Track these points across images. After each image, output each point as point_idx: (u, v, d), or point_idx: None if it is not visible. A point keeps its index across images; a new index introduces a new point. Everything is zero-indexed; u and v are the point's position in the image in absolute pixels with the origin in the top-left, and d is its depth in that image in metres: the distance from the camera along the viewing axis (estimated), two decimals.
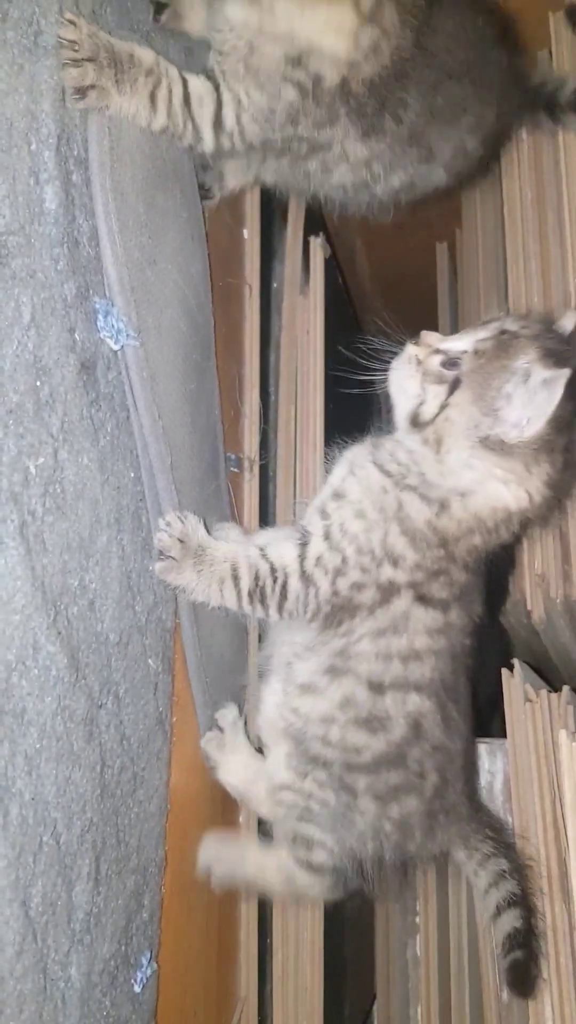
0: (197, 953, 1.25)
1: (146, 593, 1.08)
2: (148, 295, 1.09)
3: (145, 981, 1.00)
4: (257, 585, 1.13)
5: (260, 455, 1.58)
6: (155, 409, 1.08)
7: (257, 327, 1.61)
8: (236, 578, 1.13)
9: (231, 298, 1.58)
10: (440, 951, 1.50)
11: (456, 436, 1.10)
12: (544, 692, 1.26)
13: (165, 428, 1.11)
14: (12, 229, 0.82)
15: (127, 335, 1.02)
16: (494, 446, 1.08)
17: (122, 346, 1.02)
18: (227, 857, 1.26)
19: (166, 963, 1.09)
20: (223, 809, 1.38)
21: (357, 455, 1.18)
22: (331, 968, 1.46)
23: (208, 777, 1.31)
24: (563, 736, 1.09)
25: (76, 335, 0.93)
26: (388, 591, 1.11)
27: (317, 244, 1.75)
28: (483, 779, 1.35)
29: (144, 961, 1.01)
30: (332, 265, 1.90)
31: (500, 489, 1.09)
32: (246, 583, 1.13)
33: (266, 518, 1.58)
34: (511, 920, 1.21)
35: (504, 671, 1.31)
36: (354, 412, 1.63)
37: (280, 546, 1.15)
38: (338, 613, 1.13)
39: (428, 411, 1.12)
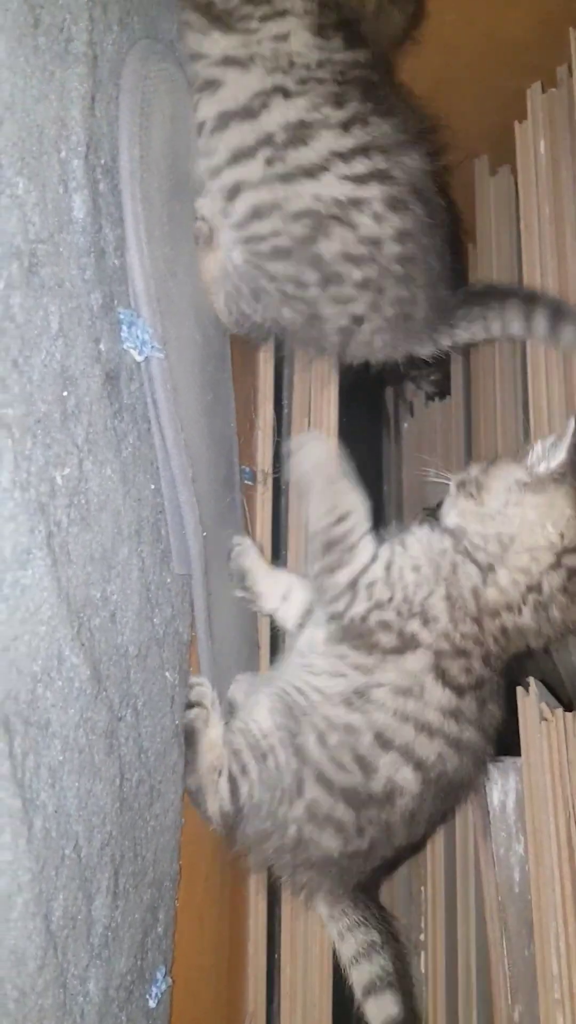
0: (208, 967, 1.24)
1: (164, 606, 1.08)
2: (171, 306, 1.09)
3: (160, 996, 0.99)
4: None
5: (274, 468, 1.58)
6: (178, 421, 1.08)
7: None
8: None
9: None
10: (448, 969, 1.49)
11: (493, 481, 1.20)
12: (560, 711, 1.25)
13: (187, 440, 1.11)
14: (42, 237, 0.81)
15: (152, 346, 1.02)
16: (526, 484, 1.17)
17: (146, 357, 1.02)
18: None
19: (179, 977, 1.08)
20: None
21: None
22: (339, 983, 1.45)
23: None
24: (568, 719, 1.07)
25: (101, 345, 0.92)
26: (408, 642, 1.15)
27: None
28: (496, 798, 1.33)
29: (159, 976, 1.00)
30: None
31: (534, 523, 1.16)
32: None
33: (278, 531, 1.58)
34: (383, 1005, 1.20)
35: (519, 689, 1.30)
36: (367, 425, 1.63)
37: (361, 548, 1.21)
38: (356, 638, 1.17)
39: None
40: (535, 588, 1.16)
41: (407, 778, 1.14)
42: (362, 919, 1.23)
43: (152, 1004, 0.98)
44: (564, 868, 1.19)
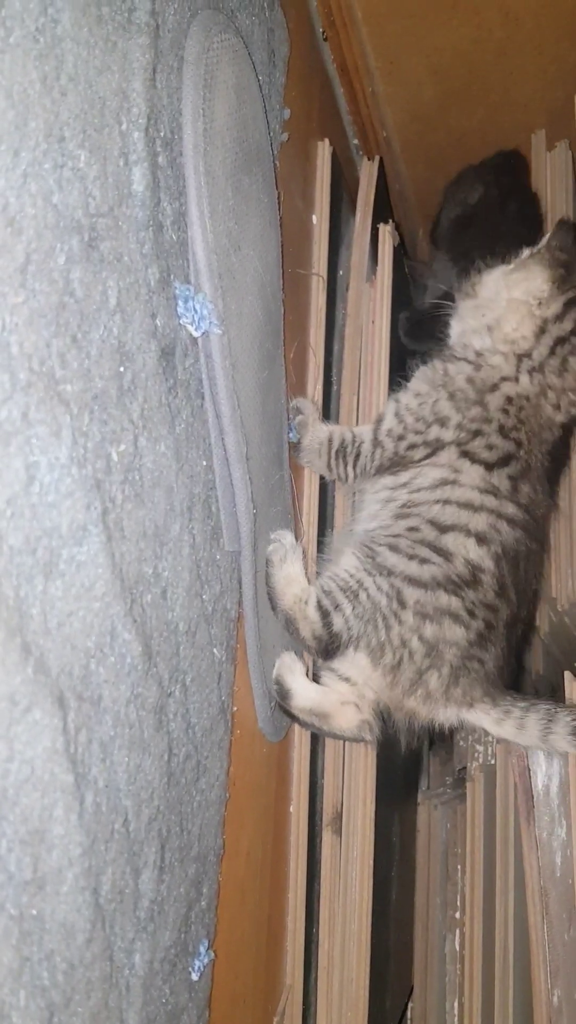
0: (249, 941, 1.25)
1: (213, 582, 1.08)
2: (233, 282, 1.08)
3: (202, 969, 1.00)
4: (341, 447, 1.42)
5: None
6: (235, 398, 1.07)
7: (323, 316, 1.59)
8: (330, 442, 1.43)
9: (299, 288, 1.56)
10: (485, 947, 1.49)
11: (487, 278, 1.42)
12: None
13: (242, 417, 1.10)
14: (102, 211, 0.81)
15: (211, 322, 1.01)
16: (511, 269, 1.40)
17: (203, 332, 1.01)
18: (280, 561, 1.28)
19: (220, 950, 1.09)
20: (276, 799, 1.38)
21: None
22: (375, 960, 1.46)
23: (264, 768, 1.31)
24: None
25: (157, 321, 0.92)
26: (436, 446, 1.34)
27: (386, 231, 1.72)
28: (540, 782, 1.33)
29: (202, 949, 1.01)
30: (400, 253, 1.87)
31: (517, 299, 1.37)
32: (335, 446, 1.42)
33: (324, 508, 1.57)
34: None
35: (567, 673, 1.29)
36: None
37: (361, 426, 1.46)
38: (397, 465, 1.37)
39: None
40: (525, 355, 1.36)
41: (477, 552, 1.28)
42: (529, 703, 1.29)
43: (195, 977, 0.99)
44: None
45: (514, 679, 1.43)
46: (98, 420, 0.78)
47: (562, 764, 1.32)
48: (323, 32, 1.66)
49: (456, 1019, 1.85)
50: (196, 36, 1.01)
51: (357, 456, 1.41)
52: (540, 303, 1.36)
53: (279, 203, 1.34)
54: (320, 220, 1.64)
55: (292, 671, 1.30)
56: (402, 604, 1.26)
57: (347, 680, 1.34)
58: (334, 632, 1.26)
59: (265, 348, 1.21)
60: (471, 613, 1.27)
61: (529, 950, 1.27)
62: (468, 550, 1.28)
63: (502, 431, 1.33)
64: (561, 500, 1.64)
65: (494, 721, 1.29)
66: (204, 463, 1.05)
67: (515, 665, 1.43)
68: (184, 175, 0.99)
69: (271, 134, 1.32)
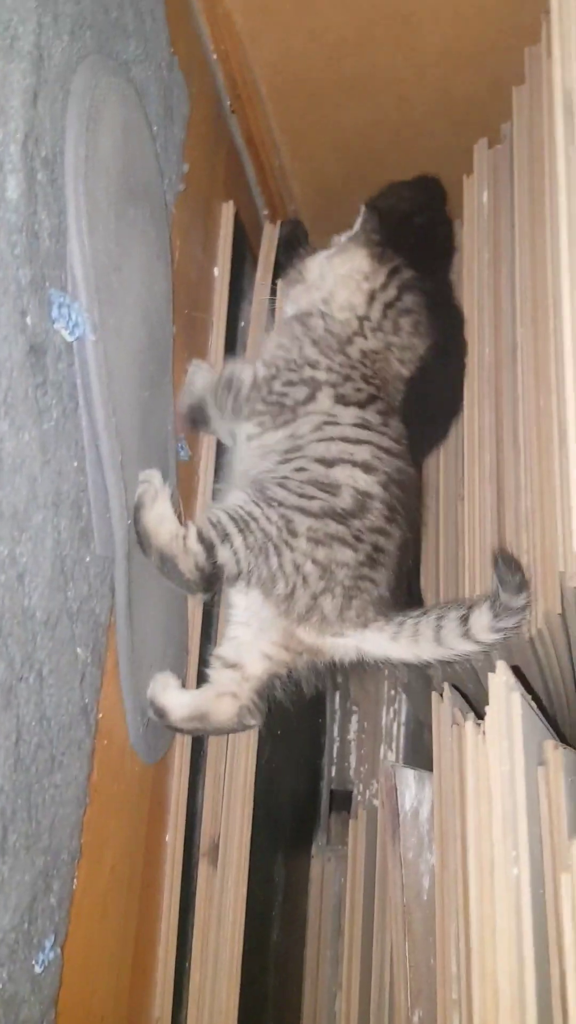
0: (111, 959, 1.23)
1: (80, 582, 1.10)
2: (111, 297, 1.15)
3: (47, 964, 0.99)
4: (228, 380, 1.52)
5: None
6: (110, 405, 1.12)
7: (221, 357, 1.67)
8: (220, 376, 1.54)
9: (197, 329, 1.64)
10: (362, 984, 1.48)
11: (309, 263, 1.63)
12: (471, 717, 1.28)
13: (119, 428, 1.15)
14: None
15: (85, 330, 1.07)
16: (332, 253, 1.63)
17: (77, 338, 1.06)
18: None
19: (73, 958, 1.07)
20: (150, 823, 1.38)
21: None
22: (249, 998, 1.44)
23: (136, 787, 1.31)
24: (469, 727, 1.10)
25: (28, 319, 0.97)
26: (312, 386, 1.47)
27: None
28: (408, 803, 1.35)
29: (47, 944, 1.00)
30: None
31: (344, 275, 1.58)
32: (224, 380, 1.53)
33: None
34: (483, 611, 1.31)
35: (434, 694, 1.33)
36: None
37: (244, 367, 1.55)
38: (282, 411, 1.47)
39: None
40: (364, 318, 1.55)
41: (366, 480, 1.39)
42: (421, 611, 1.38)
43: (38, 970, 0.97)
44: (466, 870, 1.20)
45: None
46: None
47: (432, 789, 1.35)
48: (230, 104, 1.79)
49: None
50: (83, 74, 1.09)
51: (239, 389, 1.52)
52: (365, 277, 1.57)
53: (173, 245, 1.43)
54: (222, 273, 1.74)
55: (165, 688, 1.32)
56: (292, 532, 1.33)
57: (233, 667, 1.38)
58: (218, 563, 1.30)
59: (148, 370, 1.28)
60: (358, 538, 1.35)
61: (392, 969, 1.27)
62: (356, 480, 1.38)
63: (364, 378, 1.50)
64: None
65: (390, 637, 1.36)
66: (75, 464, 1.09)
67: (408, 594, 1.51)
68: (64, 194, 1.06)
69: (167, 181, 1.41)
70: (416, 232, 1.73)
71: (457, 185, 1.88)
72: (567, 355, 1.12)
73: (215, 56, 1.69)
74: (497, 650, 1.46)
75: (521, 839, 0.95)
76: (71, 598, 1.08)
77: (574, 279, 1.12)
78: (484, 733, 1.05)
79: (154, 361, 1.31)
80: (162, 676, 1.33)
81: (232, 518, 1.33)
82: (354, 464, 1.40)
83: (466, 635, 1.31)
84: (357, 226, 1.61)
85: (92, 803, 1.14)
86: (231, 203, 1.77)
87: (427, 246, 1.73)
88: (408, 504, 1.45)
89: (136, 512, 1.24)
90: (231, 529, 1.32)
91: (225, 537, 1.31)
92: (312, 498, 1.36)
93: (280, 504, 1.35)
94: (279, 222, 1.97)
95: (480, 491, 1.54)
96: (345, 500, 1.37)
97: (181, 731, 1.37)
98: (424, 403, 1.66)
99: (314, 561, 1.33)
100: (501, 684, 1.05)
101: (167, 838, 1.45)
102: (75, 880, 1.09)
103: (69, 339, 1.06)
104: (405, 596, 1.47)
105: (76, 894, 1.10)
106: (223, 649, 1.42)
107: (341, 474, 1.39)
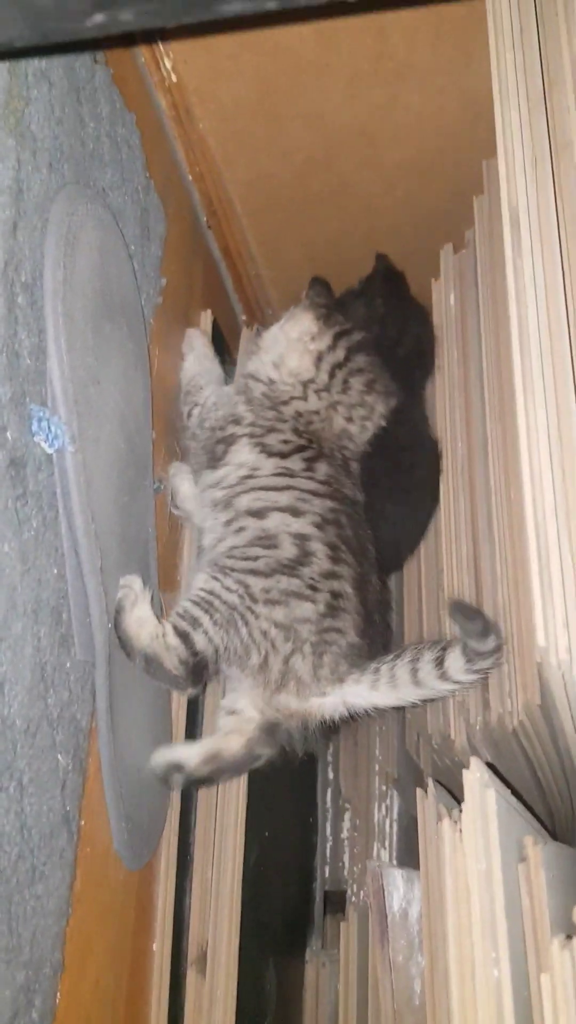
0: None
1: (60, 688, 1.12)
2: (90, 409, 1.19)
3: None
4: (189, 390, 1.65)
5: None
6: (89, 512, 1.15)
7: None
8: (188, 381, 1.66)
9: (178, 432, 1.69)
10: None
11: (265, 335, 1.70)
12: (456, 811, 1.27)
13: (98, 532, 1.18)
14: None
15: (64, 441, 1.11)
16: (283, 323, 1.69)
17: (57, 450, 1.10)
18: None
19: None
20: (136, 932, 1.35)
21: None
22: None
23: (120, 894, 1.30)
24: (446, 825, 1.10)
25: (8, 434, 1.01)
26: (230, 439, 1.54)
27: None
28: (396, 904, 1.33)
29: None
30: None
31: (293, 339, 1.65)
32: (185, 388, 1.66)
33: None
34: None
35: (419, 791, 1.32)
36: None
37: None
38: (212, 449, 1.56)
39: None
40: (310, 381, 1.61)
41: (298, 524, 1.43)
42: (394, 655, 1.37)
43: None
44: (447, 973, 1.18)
45: (385, 645, 1.54)
46: None
47: (420, 888, 1.33)
48: (206, 220, 1.88)
49: None
50: (61, 202, 1.16)
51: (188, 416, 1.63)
52: (312, 338, 1.63)
53: (152, 355, 1.49)
54: None
55: (172, 748, 1.40)
56: (252, 598, 1.36)
57: (234, 712, 1.42)
58: (198, 651, 1.33)
59: (127, 476, 1.31)
60: (313, 588, 1.39)
61: None
62: (289, 525, 1.43)
63: (296, 431, 1.56)
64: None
65: (369, 687, 1.36)
66: (55, 571, 1.11)
67: (383, 628, 1.55)
68: (43, 315, 1.11)
69: (145, 296, 1.48)
70: (358, 296, 1.88)
71: (426, 288, 1.97)
72: (522, 454, 1.16)
73: (190, 177, 1.78)
74: (482, 742, 1.47)
75: (501, 939, 0.94)
76: (51, 705, 1.09)
77: (526, 384, 1.17)
78: (460, 831, 1.04)
79: (133, 466, 1.35)
80: (162, 748, 1.39)
81: (195, 603, 1.36)
82: (280, 510, 1.44)
83: (443, 677, 1.32)
84: (304, 294, 1.72)
85: (75, 913, 1.13)
86: (208, 312, 1.84)
87: (369, 314, 1.84)
88: (348, 537, 1.48)
89: (117, 616, 1.26)
90: (197, 613, 1.35)
91: (195, 622, 1.34)
92: (257, 558, 1.40)
93: (232, 570, 1.39)
94: (256, 327, 2.04)
95: (459, 581, 1.56)
96: (287, 549, 1.41)
97: (200, 781, 1.42)
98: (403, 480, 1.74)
99: (276, 624, 1.36)
100: (475, 781, 1.05)
101: (154, 946, 1.42)
102: (58, 995, 1.08)
103: (49, 451, 1.09)
104: (380, 628, 1.51)
105: (59, 1010, 1.08)
106: (227, 699, 1.47)
107: (272, 523, 1.43)
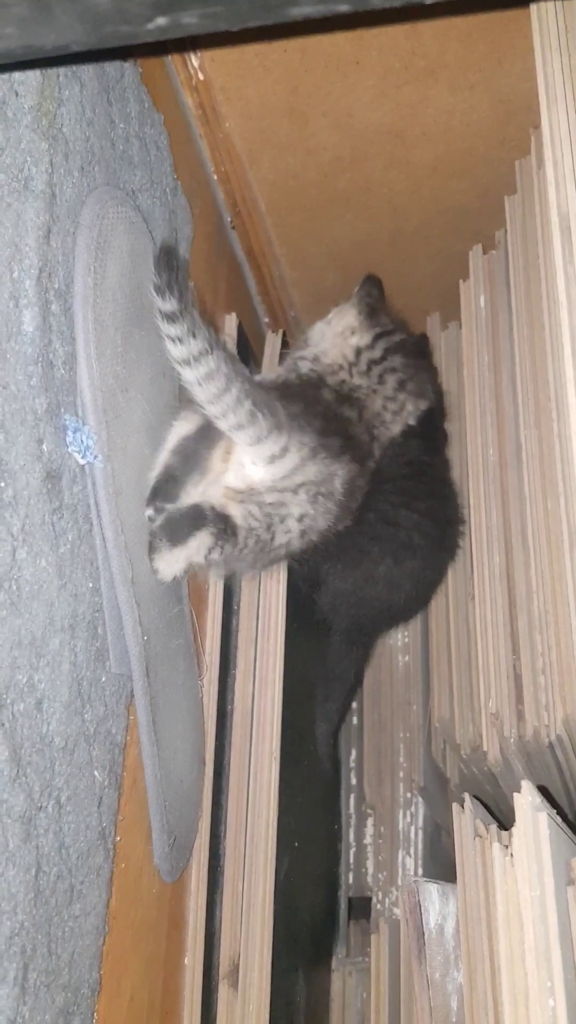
0: None
1: (96, 703, 1.10)
2: (118, 418, 1.17)
3: None
4: None
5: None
6: (119, 523, 1.13)
7: None
8: None
9: None
10: None
11: (311, 330, 1.70)
12: (494, 828, 1.25)
13: (127, 543, 1.16)
14: None
15: (95, 452, 1.09)
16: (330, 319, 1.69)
17: (88, 461, 1.08)
18: None
19: None
20: (169, 946, 1.33)
21: None
22: None
23: (154, 909, 1.28)
24: (496, 850, 1.07)
25: (44, 446, 0.99)
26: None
27: None
28: (432, 920, 1.31)
29: None
30: None
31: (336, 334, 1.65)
32: None
33: (227, 645, 1.61)
34: None
35: (455, 805, 1.30)
36: None
37: None
38: None
39: None
40: (352, 364, 1.60)
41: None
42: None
43: None
44: (498, 1000, 1.15)
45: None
46: None
47: (457, 904, 1.31)
48: (230, 221, 1.85)
49: None
50: (91, 206, 1.14)
51: None
52: (353, 332, 1.63)
53: None
54: None
55: None
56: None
57: None
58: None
59: None
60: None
61: None
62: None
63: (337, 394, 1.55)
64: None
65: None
66: (91, 584, 1.09)
67: None
68: (75, 322, 1.09)
69: None
70: None
71: (454, 289, 1.94)
72: (574, 463, 1.13)
73: (216, 177, 1.75)
74: (515, 754, 1.44)
75: (556, 968, 0.91)
76: (88, 720, 1.07)
77: None
78: (512, 855, 1.02)
79: None
80: None
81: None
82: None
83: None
84: (355, 290, 1.72)
85: (111, 931, 1.11)
86: (234, 315, 1.81)
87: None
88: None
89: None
90: None
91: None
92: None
93: None
94: (282, 331, 2.01)
95: (491, 592, 1.54)
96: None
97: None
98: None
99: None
100: (527, 805, 1.03)
101: (186, 960, 1.40)
102: (95, 1015, 1.06)
103: (82, 462, 1.07)
104: None
105: None
106: None
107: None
